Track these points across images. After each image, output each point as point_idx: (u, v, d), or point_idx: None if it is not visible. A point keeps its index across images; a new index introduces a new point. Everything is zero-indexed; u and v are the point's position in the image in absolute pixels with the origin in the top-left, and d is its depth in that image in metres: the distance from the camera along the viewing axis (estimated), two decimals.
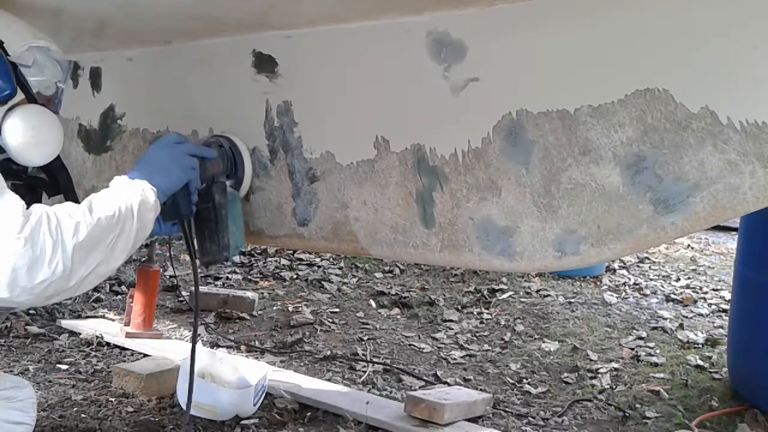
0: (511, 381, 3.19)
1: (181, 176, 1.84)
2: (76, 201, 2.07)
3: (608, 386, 3.14)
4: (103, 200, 1.65)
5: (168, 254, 4.10)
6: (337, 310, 4.14)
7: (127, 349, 3.28)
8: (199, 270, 2.05)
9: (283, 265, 4.98)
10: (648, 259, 5.57)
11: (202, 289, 4.08)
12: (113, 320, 3.65)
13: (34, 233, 1.50)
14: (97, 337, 3.33)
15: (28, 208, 1.55)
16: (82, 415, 2.62)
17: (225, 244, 2.02)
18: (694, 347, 3.66)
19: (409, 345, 3.62)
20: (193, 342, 2.03)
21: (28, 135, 1.76)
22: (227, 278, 4.60)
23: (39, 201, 1.99)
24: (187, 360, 2.68)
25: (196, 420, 2.55)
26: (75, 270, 1.55)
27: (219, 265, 4.51)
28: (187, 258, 4.85)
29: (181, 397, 2.63)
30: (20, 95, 1.78)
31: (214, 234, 2.01)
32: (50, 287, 1.52)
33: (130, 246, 1.68)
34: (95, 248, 1.59)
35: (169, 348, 3.24)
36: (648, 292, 4.70)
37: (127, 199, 1.68)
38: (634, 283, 4.88)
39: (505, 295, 4.46)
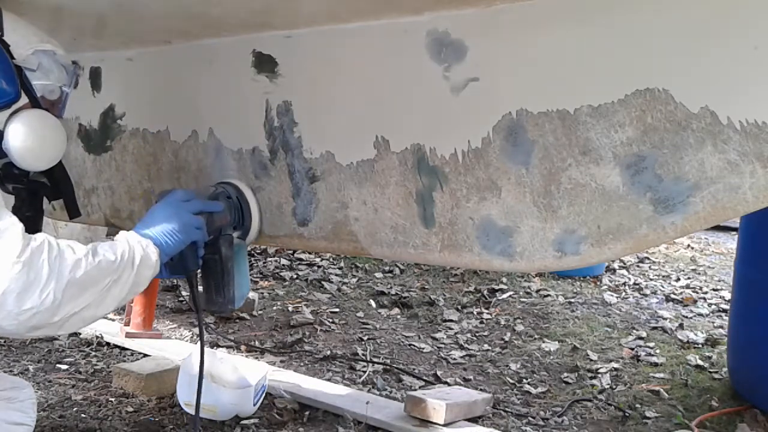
0: (511, 381, 3.19)
1: (185, 239, 1.81)
2: (76, 206, 2.06)
3: (608, 386, 3.14)
4: (106, 246, 1.63)
5: None
6: (337, 310, 4.14)
7: (127, 349, 3.28)
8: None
9: (283, 265, 4.99)
10: (648, 259, 5.57)
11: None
12: (113, 320, 3.65)
13: (34, 258, 1.48)
14: (97, 337, 3.33)
15: (29, 225, 1.53)
16: (82, 415, 2.62)
17: (231, 297, 2.02)
18: (694, 347, 3.66)
19: (409, 345, 3.62)
20: (199, 385, 1.99)
21: (30, 140, 1.76)
22: None
23: (40, 205, 1.99)
24: (187, 360, 2.70)
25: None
26: (63, 305, 1.51)
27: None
28: None
29: (181, 397, 2.63)
30: (24, 99, 1.78)
31: (220, 286, 2.01)
32: (35, 317, 1.48)
33: (122, 296, 1.64)
34: (89, 289, 1.55)
35: (169, 348, 3.24)
36: (648, 292, 4.71)
37: (130, 250, 1.65)
38: (634, 283, 4.88)
39: (505, 295, 4.46)
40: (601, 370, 3.30)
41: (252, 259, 5.08)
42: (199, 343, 2.00)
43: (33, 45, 1.82)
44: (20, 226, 1.52)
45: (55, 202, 2.11)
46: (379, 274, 4.88)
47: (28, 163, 1.80)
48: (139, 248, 1.68)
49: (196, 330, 3.62)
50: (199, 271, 1.96)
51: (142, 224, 1.77)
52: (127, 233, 1.72)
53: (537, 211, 1.67)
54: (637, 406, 2.96)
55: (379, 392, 2.98)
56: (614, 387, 3.14)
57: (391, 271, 4.94)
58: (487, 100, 1.72)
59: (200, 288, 2.02)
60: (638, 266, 5.38)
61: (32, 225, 1.77)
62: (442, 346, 3.63)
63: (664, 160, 1.50)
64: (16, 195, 1.92)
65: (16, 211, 1.75)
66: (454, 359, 3.44)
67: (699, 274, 5.31)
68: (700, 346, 3.68)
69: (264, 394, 2.70)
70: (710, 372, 3.32)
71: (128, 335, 3.33)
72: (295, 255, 5.13)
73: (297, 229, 2.12)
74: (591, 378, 3.24)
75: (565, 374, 3.27)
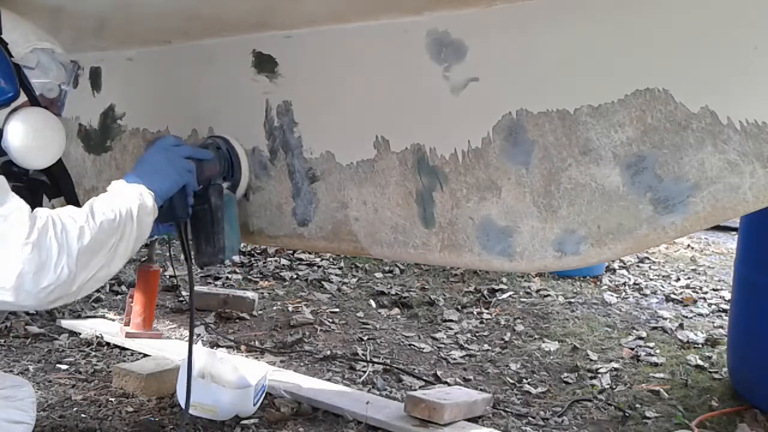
0: (511, 381, 3.19)
1: (177, 180, 1.84)
2: (77, 204, 2.06)
3: (608, 386, 3.14)
4: (104, 204, 1.65)
5: (168, 254, 4.10)
6: (337, 310, 4.14)
7: (127, 349, 3.27)
8: (195, 270, 2.05)
9: (283, 265, 4.98)
10: (648, 259, 5.57)
11: (202, 289, 4.08)
12: (113, 320, 3.65)
13: (41, 238, 1.51)
14: (97, 337, 3.33)
15: (31, 211, 1.55)
16: (82, 415, 2.62)
17: (221, 247, 2.03)
18: (694, 347, 3.66)
19: (409, 345, 3.62)
20: (190, 343, 2.03)
21: (30, 138, 1.76)
22: (227, 278, 4.60)
23: (40, 203, 1.99)
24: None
25: (196, 420, 2.55)
26: (78, 274, 1.55)
27: (215, 266, 4.51)
28: None
29: (181, 397, 2.63)
30: (23, 97, 1.78)
31: (210, 236, 2.02)
32: (54, 291, 1.53)
33: (130, 250, 1.68)
34: (98, 252, 1.59)
35: (169, 348, 3.24)
36: (648, 292, 4.70)
37: (127, 203, 1.68)
38: (634, 283, 4.88)
39: (505, 295, 4.46)
40: (601, 370, 3.30)
41: (252, 259, 5.08)
42: (197, 335, 2.01)
43: (31, 43, 1.81)
44: (27, 208, 1.54)
45: (56, 200, 2.11)
46: (379, 274, 4.88)
47: (28, 161, 1.80)
48: (135, 198, 1.70)
49: (197, 330, 3.62)
50: (188, 223, 1.97)
51: (134, 170, 1.80)
52: (119, 183, 1.74)
53: (537, 211, 1.67)
54: (637, 406, 2.96)
55: (379, 392, 2.98)
56: (614, 387, 3.14)
57: (391, 271, 4.94)
58: (487, 100, 1.72)
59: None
60: (638, 266, 5.38)
61: None
62: (442, 346, 3.63)
63: (664, 160, 1.50)
64: (15, 193, 1.92)
65: None
66: (454, 359, 3.44)
67: (699, 274, 5.31)
68: (700, 346, 3.68)
69: (264, 394, 2.70)
70: (710, 372, 3.32)
71: (128, 335, 3.32)
72: (295, 255, 5.12)
73: (297, 229, 2.12)
74: (591, 378, 3.23)
75: (565, 374, 3.27)
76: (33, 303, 1.53)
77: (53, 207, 2.38)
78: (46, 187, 1.96)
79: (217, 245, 2.02)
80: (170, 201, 1.85)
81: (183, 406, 2.61)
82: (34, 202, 1.94)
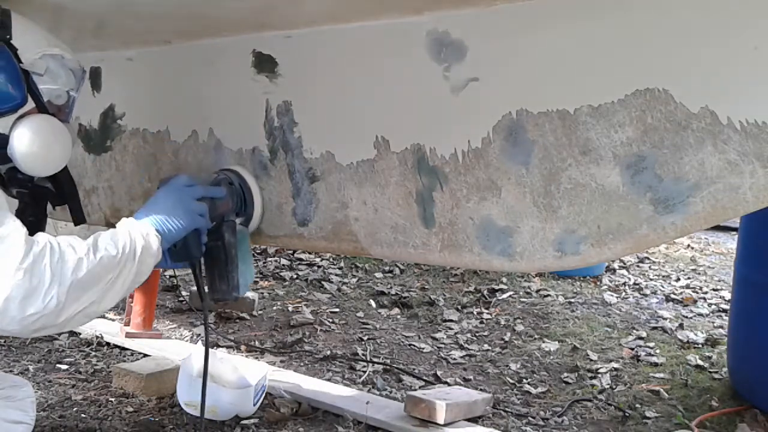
0: (511, 381, 3.19)
1: (187, 225, 1.79)
2: (81, 211, 2.05)
3: (608, 386, 3.14)
4: (107, 239, 1.63)
5: None
6: (337, 310, 4.14)
7: (127, 349, 3.28)
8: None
9: (283, 265, 4.99)
10: (648, 259, 5.57)
11: None
12: (113, 320, 3.65)
13: (36, 264, 1.48)
14: (97, 337, 3.33)
15: (32, 228, 1.53)
16: (82, 415, 2.62)
17: (235, 284, 2.00)
18: (694, 347, 3.66)
19: (409, 345, 3.62)
20: (204, 377, 2.01)
21: (36, 146, 1.73)
22: None
23: (44, 210, 1.98)
24: (187, 360, 2.70)
25: (196, 420, 2.55)
26: (67, 306, 1.52)
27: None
28: None
29: (181, 397, 2.63)
30: (30, 104, 1.75)
31: (224, 273, 1.99)
32: (39, 320, 1.50)
33: (125, 289, 1.65)
34: (92, 287, 1.56)
35: (169, 348, 3.24)
36: (648, 292, 4.70)
37: (132, 242, 1.65)
38: (634, 283, 4.88)
39: (505, 295, 4.46)
40: (601, 370, 3.30)
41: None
42: (203, 336, 1.99)
43: (41, 49, 1.78)
44: (23, 230, 1.52)
45: (59, 208, 2.10)
46: (379, 274, 4.88)
47: (33, 168, 1.77)
48: (140, 238, 1.67)
49: (197, 330, 3.62)
50: (202, 259, 1.94)
51: (144, 210, 1.77)
52: (128, 221, 1.72)
53: (537, 211, 1.67)
54: (637, 406, 2.96)
55: (379, 392, 2.98)
56: (614, 387, 3.14)
57: (391, 271, 4.94)
58: (487, 100, 1.72)
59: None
60: (638, 266, 5.38)
61: (35, 229, 1.75)
62: (442, 346, 3.63)
63: (664, 160, 1.50)
64: (20, 199, 1.91)
65: (19, 214, 1.72)
66: (454, 359, 3.44)
67: (699, 274, 5.31)
68: (700, 346, 3.68)
69: (264, 394, 2.70)
70: (710, 372, 3.32)
71: (128, 335, 3.33)
72: (295, 255, 5.13)
73: (297, 229, 2.12)
74: (591, 378, 3.24)
75: (565, 374, 3.27)
76: (16, 329, 1.50)
77: (54, 209, 2.38)
78: (50, 194, 1.94)
79: (231, 283, 2.00)
80: (184, 240, 1.82)
81: (182, 405, 2.62)
82: (39, 210, 1.93)
